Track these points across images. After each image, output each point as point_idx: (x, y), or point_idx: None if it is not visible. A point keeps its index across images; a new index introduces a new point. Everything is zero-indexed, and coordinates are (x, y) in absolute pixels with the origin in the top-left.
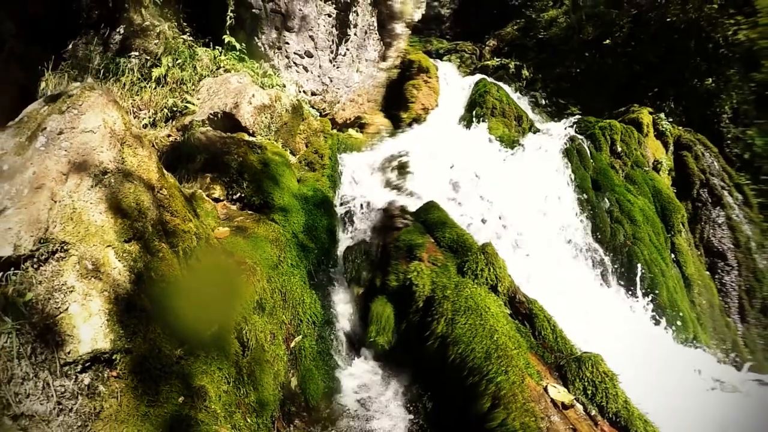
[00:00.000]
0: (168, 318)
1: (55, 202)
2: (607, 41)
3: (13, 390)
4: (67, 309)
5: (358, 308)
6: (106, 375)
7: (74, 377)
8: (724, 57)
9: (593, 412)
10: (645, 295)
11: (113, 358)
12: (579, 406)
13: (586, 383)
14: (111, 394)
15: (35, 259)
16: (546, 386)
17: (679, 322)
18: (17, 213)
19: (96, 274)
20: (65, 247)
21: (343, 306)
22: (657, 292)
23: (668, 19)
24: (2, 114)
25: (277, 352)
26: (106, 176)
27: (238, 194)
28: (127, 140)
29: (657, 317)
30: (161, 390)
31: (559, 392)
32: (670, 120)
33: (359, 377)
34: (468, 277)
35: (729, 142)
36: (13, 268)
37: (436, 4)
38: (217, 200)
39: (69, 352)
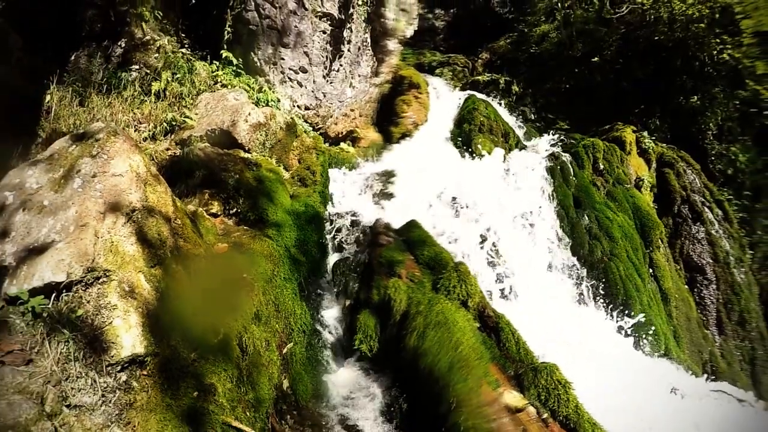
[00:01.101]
0: (184, 328)
1: (98, 237)
2: (596, 59)
3: (70, 386)
4: (111, 322)
5: (346, 318)
6: (138, 374)
7: (114, 375)
8: (709, 75)
9: (545, 416)
10: (619, 309)
11: (145, 360)
12: (532, 410)
13: (540, 390)
14: (142, 389)
15: (83, 284)
16: (502, 392)
17: (651, 336)
18: (68, 247)
19: (132, 294)
20: (107, 274)
21: (331, 316)
22: (630, 306)
23: (656, 38)
24: (7, 122)
25: (271, 357)
26: (134, 213)
27: (235, 209)
28: (148, 180)
29: (628, 331)
30: (180, 386)
31: (513, 397)
32: (656, 136)
33: (344, 380)
34: (441, 293)
35: (713, 158)
36: (65, 291)
37: (430, 16)
38: (215, 215)
39: (113, 356)
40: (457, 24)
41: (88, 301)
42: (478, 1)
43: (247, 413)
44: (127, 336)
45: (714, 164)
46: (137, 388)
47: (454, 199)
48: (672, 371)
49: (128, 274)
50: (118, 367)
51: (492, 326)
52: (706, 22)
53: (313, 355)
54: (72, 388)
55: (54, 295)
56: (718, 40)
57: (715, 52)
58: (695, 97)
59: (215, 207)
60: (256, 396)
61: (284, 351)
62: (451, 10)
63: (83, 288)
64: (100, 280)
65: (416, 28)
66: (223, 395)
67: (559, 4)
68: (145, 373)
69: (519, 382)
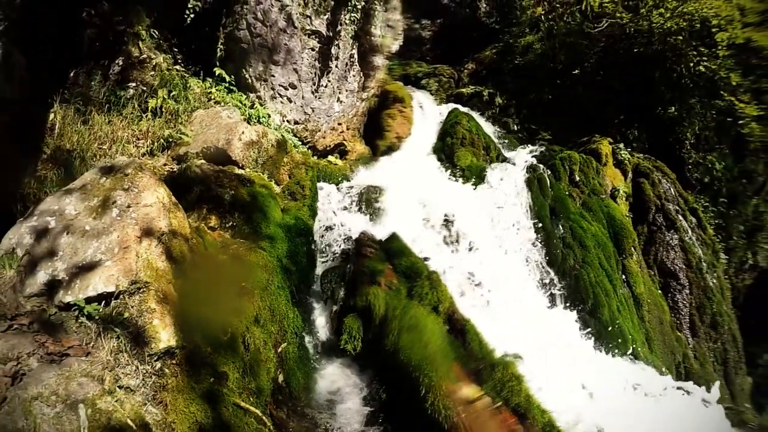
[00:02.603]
0: (202, 327)
1: (138, 257)
2: (576, 71)
3: (120, 371)
4: (152, 322)
5: (334, 322)
6: (169, 363)
7: (152, 364)
8: (686, 86)
9: (499, 404)
10: (589, 314)
11: (175, 352)
12: (488, 399)
13: (497, 382)
14: (172, 374)
15: (128, 293)
16: (462, 386)
17: (619, 338)
18: (115, 264)
19: (165, 300)
20: (147, 285)
21: (320, 320)
22: (599, 311)
23: (635, 50)
24: (13, 139)
25: (268, 354)
26: (163, 236)
27: (230, 223)
28: (171, 208)
29: (594, 333)
30: (201, 372)
31: (471, 390)
32: (634, 146)
33: (332, 376)
34: (415, 299)
35: (690, 166)
36: (113, 299)
37: (417, 26)
38: (213, 229)
39: (152, 348)
40: (443, 34)
41: (132, 306)
42: (465, 11)
43: (251, 399)
44: (164, 332)
45: (691, 172)
46: (168, 374)
47: (445, 220)
48: (635, 370)
49: (162, 285)
50: (155, 357)
51: (459, 329)
52: (683, 36)
53: (305, 354)
54: (122, 373)
55: (104, 302)
56: (695, 53)
57: (692, 64)
58: (673, 107)
59: (213, 221)
60: (257, 385)
61: (279, 350)
62: (438, 20)
63: (128, 296)
64: (141, 290)
65: (402, 40)
66: (233, 382)
67: (542, 16)
68: (174, 362)
69: (479, 376)
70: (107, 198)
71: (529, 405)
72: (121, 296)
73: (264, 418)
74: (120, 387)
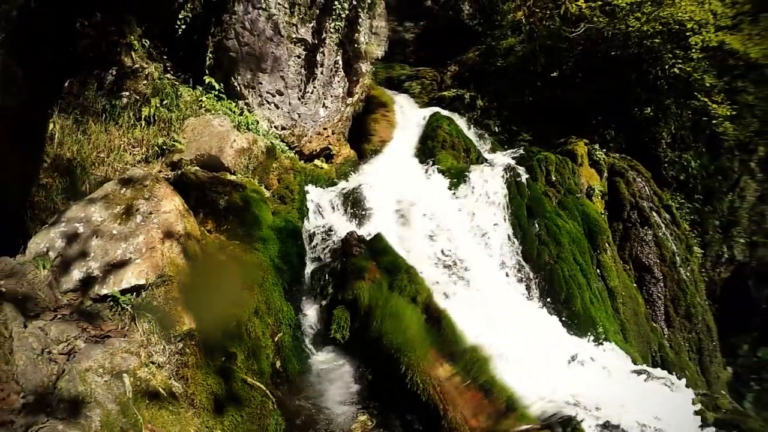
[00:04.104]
0: (215, 315)
1: (163, 255)
2: (555, 73)
3: (152, 349)
4: (177, 308)
5: (323, 315)
6: (189, 343)
7: (176, 344)
8: (662, 88)
9: (468, 381)
10: (562, 305)
11: (194, 334)
12: (458, 379)
13: (466, 363)
14: (191, 353)
15: (155, 285)
16: (436, 366)
17: (591, 328)
18: (144, 262)
19: (186, 290)
20: (171, 278)
21: (311, 313)
22: (572, 302)
23: (613, 53)
24: (14, 149)
25: (267, 342)
26: (180, 238)
27: (225, 226)
28: (184, 214)
29: (568, 322)
30: (214, 352)
31: (444, 370)
32: (611, 146)
33: (323, 362)
34: (395, 292)
35: (666, 165)
36: (143, 290)
37: (400, 29)
38: (210, 232)
39: (176, 330)
40: (426, 36)
41: (159, 296)
42: (448, 13)
43: (255, 378)
44: (186, 317)
45: (667, 171)
46: (189, 353)
47: (424, 216)
48: (605, 355)
49: (182, 278)
50: (179, 339)
51: (435, 317)
52: (659, 39)
53: (298, 344)
54: (153, 351)
55: (135, 293)
56: (670, 55)
57: (667, 66)
58: (649, 108)
59: (209, 224)
60: (259, 368)
61: (276, 339)
62: (421, 23)
63: (155, 287)
64: (166, 282)
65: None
66: (240, 362)
67: (523, 19)
68: (194, 343)
69: (452, 359)
70: (130, 206)
71: (494, 382)
72: (150, 288)
73: (267, 392)
74: (152, 363)
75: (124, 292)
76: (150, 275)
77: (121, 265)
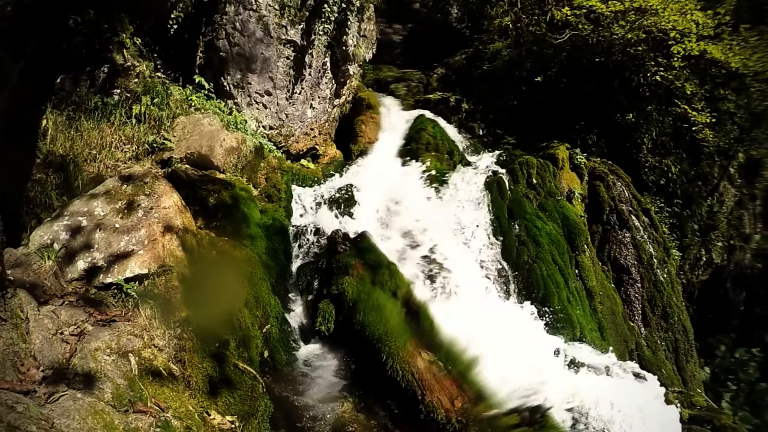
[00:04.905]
0: (210, 303)
1: (164, 247)
2: (539, 78)
3: (153, 333)
4: (177, 296)
5: (309, 309)
6: (187, 329)
7: (174, 329)
8: (644, 95)
9: (444, 371)
10: (540, 303)
11: (191, 320)
12: (436, 367)
13: (444, 353)
14: (189, 338)
15: (157, 274)
16: (415, 355)
17: (567, 325)
18: (146, 253)
19: (185, 280)
20: (171, 268)
21: (297, 308)
22: (549, 300)
23: (597, 60)
24: (8, 145)
25: (256, 333)
26: (179, 231)
27: (215, 224)
28: (182, 210)
29: (545, 319)
30: (209, 338)
31: (422, 359)
32: (593, 150)
33: (309, 353)
34: (377, 287)
35: (647, 169)
36: (146, 279)
37: (389, 31)
38: (200, 228)
39: (176, 316)
40: (414, 39)
41: (160, 285)
42: (437, 16)
43: (245, 365)
44: (184, 305)
45: (647, 175)
46: (186, 338)
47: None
48: (580, 350)
49: (181, 269)
50: (178, 323)
51: (414, 311)
52: (642, 47)
53: (284, 336)
54: (154, 335)
55: (138, 282)
56: (653, 63)
57: (649, 74)
58: (631, 114)
59: (200, 221)
60: (249, 356)
61: (264, 330)
62: (409, 25)
63: (156, 276)
64: (167, 272)
65: (375, 47)
66: (233, 349)
67: (510, 25)
68: (191, 328)
69: (430, 349)
70: (132, 201)
71: (469, 372)
72: (152, 277)
73: (257, 376)
74: (154, 345)
75: (127, 280)
76: (152, 265)
77: (124, 256)
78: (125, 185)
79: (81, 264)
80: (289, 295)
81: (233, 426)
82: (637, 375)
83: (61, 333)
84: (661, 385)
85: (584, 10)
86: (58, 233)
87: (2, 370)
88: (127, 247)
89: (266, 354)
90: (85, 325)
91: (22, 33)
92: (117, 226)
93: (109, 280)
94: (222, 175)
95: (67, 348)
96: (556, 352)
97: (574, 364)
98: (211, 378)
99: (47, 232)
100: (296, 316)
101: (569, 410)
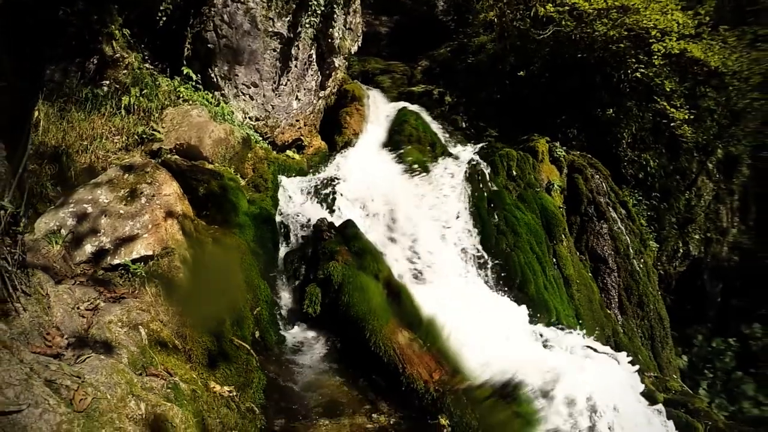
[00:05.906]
0: (209, 282)
1: (166, 231)
2: (522, 73)
3: (158, 308)
4: (179, 274)
5: (296, 294)
6: (188, 306)
7: (176, 306)
8: (624, 91)
9: (424, 347)
10: (517, 289)
11: (191, 298)
12: (418, 343)
13: (423, 331)
14: (189, 315)
15: (160, 255)
16: (397, 333)
17: (543, 310)
18: (151, 236)
19: (185, 261)
20: (173, 250)
21: (284, 293)
22: (526, 287)
23: (579, 56)
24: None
25: (247, 314)
26: (179, 218)
27: (205, 213)
28: (181, 197)
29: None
30: (207, 316)
31: (404, 336)
32: (574, 144)
33: (297, 335)
34: (361, 270)
35: (626, 163)
36: (150, 260)
37: (376, 23)
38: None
39: (178, 294)
40: (400, 31)
41: (164, 265)
42: (422, 8)
43: (240, 341)
44: (186, 284)
45: (626, 169)
46: (187, 314)
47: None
48: (555, 333)
49: (182, 251)
50: (180, 301)
51: (395, 292)
52: (624, 44)
53: (274, 319)
54: (159, 311)
55: (143, 263)
56: (633, 60)
57: (630, 70)
58: (611, 109)
59: (191, 211)
60: (242, 335)
61: (255, 312)
62: (395, 17)
63: (160, 258)
64: (169, 254)
65: (362, 32)
66: (229, 326)
67: (495, 19)
68: (191, 306)
69: (410, 328)
70: (134, 189)
71: (446, 350)
72: (156, 258)
73: (251, 351)
74: (159, 320)
75: (134, 261)
76: (156, 247)
77: (130, 239)
78: (127, 174)
79: (89, 247)
80: (277, 281)
81: (231, 394)
82: (611, 356)
83: (78, 308)
84: (630, 362)
85: (567, 7)
86: (65, 220)
87: (32, 337)
88: (132, 231)
89: (257, 334)
90: (97, 301)
91: (14, 28)
92: (121, 212)
93: (116, 261)
94: (211, 166)
95: (84, 321)
96: (531, 334)
97: (547, 344)
98: (210, 351)
99: (53, 219)
100: (284, 300)
101: (542, 388)
